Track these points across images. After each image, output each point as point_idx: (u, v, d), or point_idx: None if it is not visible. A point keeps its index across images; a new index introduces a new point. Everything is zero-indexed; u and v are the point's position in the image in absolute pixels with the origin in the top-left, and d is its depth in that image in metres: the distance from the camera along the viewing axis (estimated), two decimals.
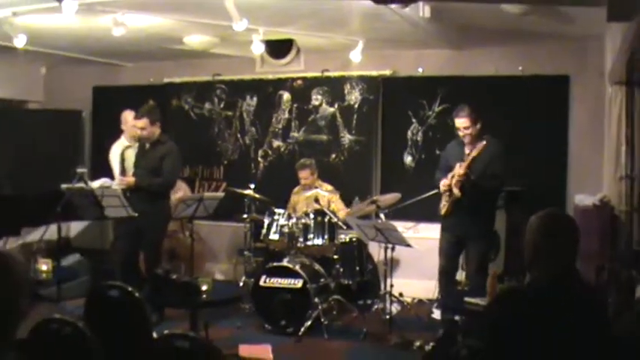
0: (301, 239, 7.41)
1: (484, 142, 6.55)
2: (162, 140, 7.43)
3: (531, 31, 7.54)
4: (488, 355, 2.84)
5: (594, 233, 6.34)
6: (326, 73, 9.29)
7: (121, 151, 7.76)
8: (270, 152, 9.61)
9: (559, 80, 8.28)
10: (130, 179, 7.27)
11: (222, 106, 9.84)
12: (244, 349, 6.35)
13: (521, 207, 7.60)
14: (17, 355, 2.49)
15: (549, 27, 7.29)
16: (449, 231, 7.04)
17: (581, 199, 6.97)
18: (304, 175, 8.18)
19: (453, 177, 6.77)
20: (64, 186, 7.00)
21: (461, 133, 6.86)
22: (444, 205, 6.98)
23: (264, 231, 7.65)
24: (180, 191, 8.57)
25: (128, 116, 8.06)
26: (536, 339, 2.74)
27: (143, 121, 7.26)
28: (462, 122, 6.83)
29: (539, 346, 2.72)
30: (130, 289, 4.31)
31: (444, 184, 6.87)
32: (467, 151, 6.88)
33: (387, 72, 9.04)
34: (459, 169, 6.67)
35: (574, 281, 2.96)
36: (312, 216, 7.47)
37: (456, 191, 6.69)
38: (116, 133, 8.23)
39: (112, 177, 8.04)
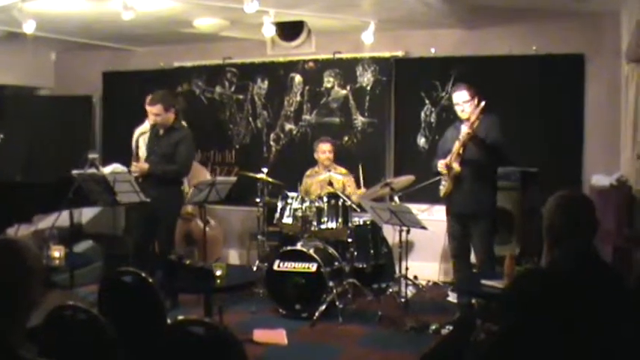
0: (315, 223, 7.35)
1: (483, 104, 6.32)
2: (176, 126, 7.37)
3: (545, 9, 7.45)
4: (509, 337, 2.78)
5: (611, 213, 6.25)
6: (338, 55, 9.21)
7: (136, 138, 7.71)
8: (282, 135, 9.56)
9: (574, 59, 8.15)
10: (144, 165, 7.23)
11: (233, 89, 9.78)
12: (259, 334, 6.35)
13: (536, 188, 7.54)
14: (30, 343, 2.46)
15: (563, 4, 7.21)
16: (454, 212, 6.91)
17: (598, 179, 6.88)
18: (327, 148, 8.18)
19: (451, 156, 6.62)
20: (75, 172, 6.94)
21: (460, 109, 6.66)
22: (444, 185, 6.81)
23: (277, 215, 7.60)
24: (201, 175, 8.49)
25: None
26: (562, 320, 2.68)
27: (157, 107, 7.20)
28: (461, 96, 6.61)
29: (565, 328, 2.66)
30: (143, 274, 4.29)
31: (442, 164, 6.68)
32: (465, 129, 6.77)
33: (400, 53, 8.95)
34: (464, 132, 6.48)
35: (597, 262, 2.91)
36: (325, 199, 7.40)
37: (455, 166, 6.51)
38: (126, 117, 8.15)
39: (128, 162, 7.94)
